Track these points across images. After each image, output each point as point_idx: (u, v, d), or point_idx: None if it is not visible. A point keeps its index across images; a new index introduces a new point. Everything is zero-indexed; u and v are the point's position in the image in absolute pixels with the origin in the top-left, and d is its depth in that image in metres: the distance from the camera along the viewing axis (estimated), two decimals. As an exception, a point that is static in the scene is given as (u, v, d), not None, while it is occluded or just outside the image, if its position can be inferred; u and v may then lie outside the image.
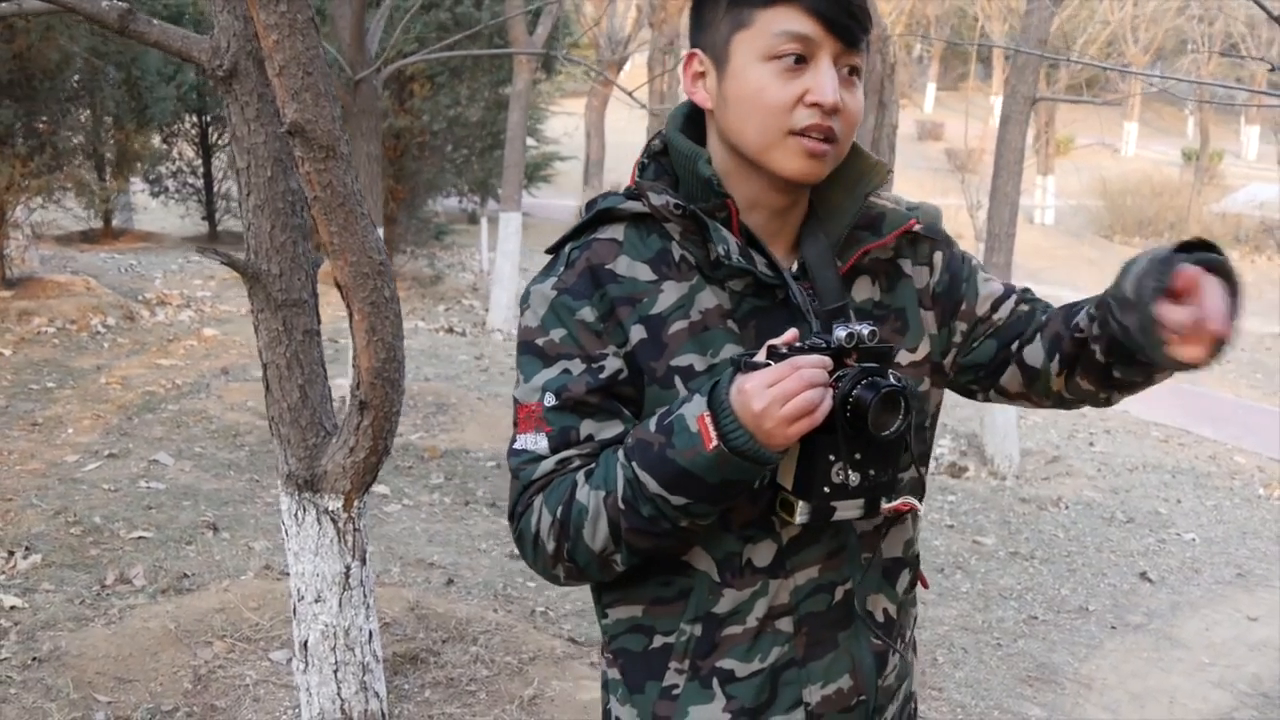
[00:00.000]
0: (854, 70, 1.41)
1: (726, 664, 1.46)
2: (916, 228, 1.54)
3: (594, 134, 15.45)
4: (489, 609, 4.47)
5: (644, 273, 1.43)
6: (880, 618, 1.53)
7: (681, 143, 1.48)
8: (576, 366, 1.41)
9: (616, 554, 1.38)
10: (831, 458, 1.34)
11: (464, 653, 3.97)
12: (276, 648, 3.83)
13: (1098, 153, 25.58)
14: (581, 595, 4.74)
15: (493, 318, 11.13)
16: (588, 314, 1.42)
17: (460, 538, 5.37)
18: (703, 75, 1.46)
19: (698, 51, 1.46)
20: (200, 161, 14.57)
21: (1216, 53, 18.63)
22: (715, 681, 1.46)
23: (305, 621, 2.95)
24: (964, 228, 14.53)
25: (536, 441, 1.42)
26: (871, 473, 1.37)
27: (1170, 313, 1.28)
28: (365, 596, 2.97)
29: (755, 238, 1.46)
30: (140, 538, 4.78)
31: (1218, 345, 1.29)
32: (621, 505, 1.34)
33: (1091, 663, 5.06)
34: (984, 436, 8.42)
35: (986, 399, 1.65)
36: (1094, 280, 13.19)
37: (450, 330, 10.83)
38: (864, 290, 1.51)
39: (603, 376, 1.41)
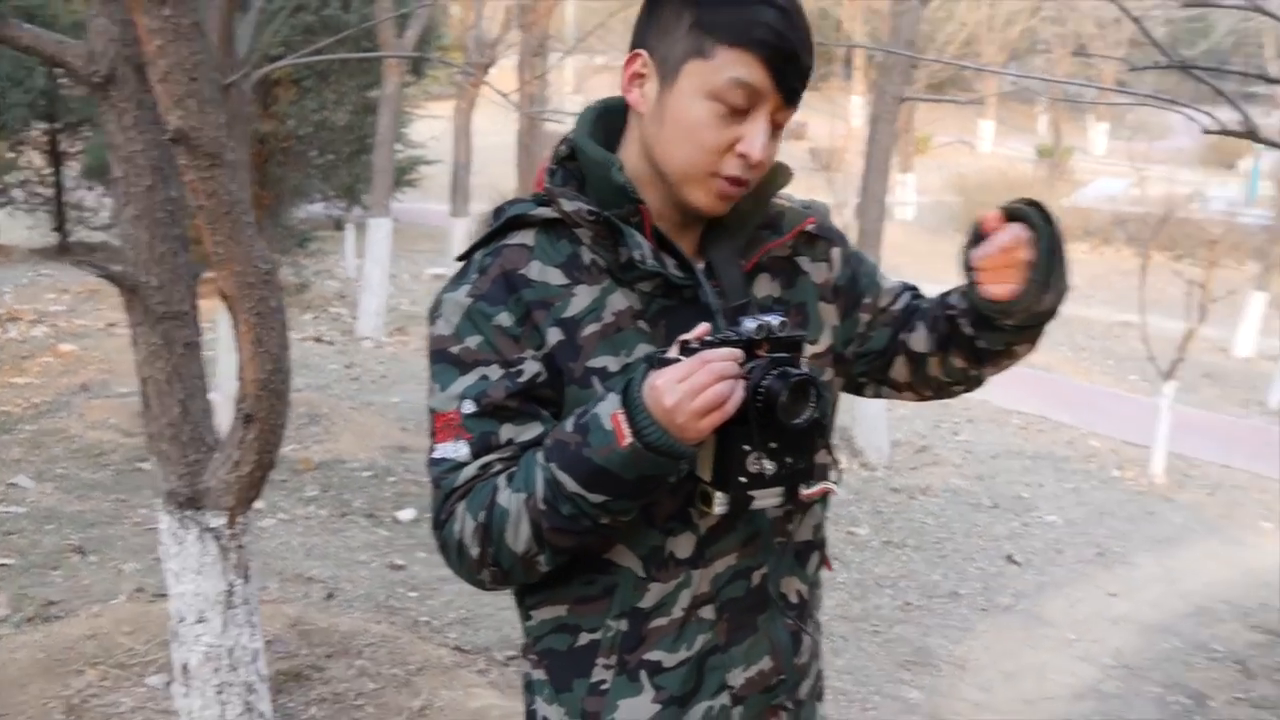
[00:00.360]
0: (780, 125, 1.46)
1: (654, 655, 1.49)
2: (811, 226, 1.60)
3: (462, 137, 15.26)
4: (372, 621, 4.41)
5: (556, 277, 1.46)
6: (794, 599, 1.58)
7: (592, 149, 1.49)
8: (494, 372, 1.43)
9: (540, 555, 1.40)
10: (746, 448, 1.37)
11: (349, 667, 3.91)
12: (153, 672, 3.71)
13: (956, 150, 26.33)
14: (465, 603, 4.72)
15: (362, 325, 10.95)
16: (505, 319, 1.43)
17: (339, 550, 5.29)
18: (643, 78, 1.47)
19: (644, 53, 1.47)
20: (50, 170, 14.00)
21: (1070, 53, 19.26)
22: (643, 674, 1.49)
23: (186, 643, 2.88)
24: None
25: (457, 449, 1.43)
26: (788, 460, 1.40)
27: (974, 252, 1.42)
28: (249, 615, 2.91)
29: (666, 239, 1.49)
30: (1, 565, 4.59)
31: (1033, 282, 1.40)
32: (542, 506, 1.36)
33: (965, 645, 5.23)
34: (854, 429, 8.60)
35: (876, 394, 1.72)
36: (952, 274, 13.46)
37: (319, 339, 10.62)
38: (764, 287, 1.56)
39: (521, 380, 1.43)
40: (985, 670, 4.98)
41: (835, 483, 1.53)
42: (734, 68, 1.39)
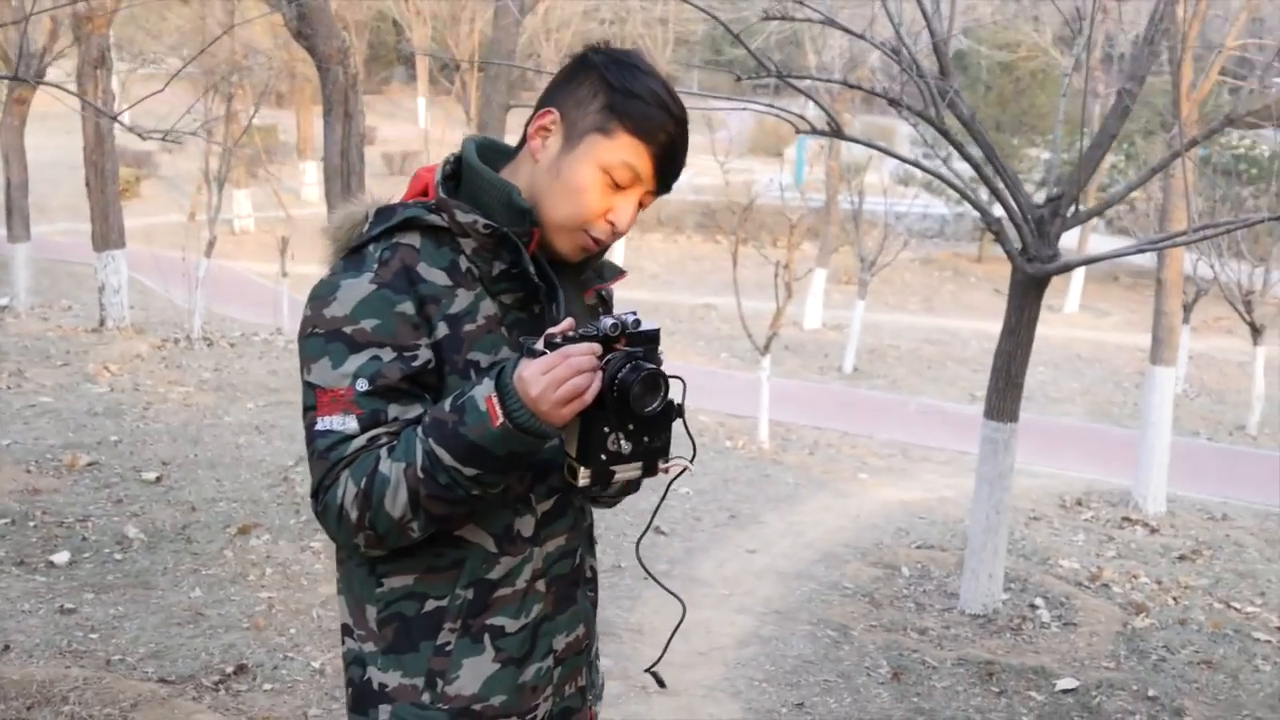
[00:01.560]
0: (646, 205, 1.74)
1: (498, 621, 1.71)
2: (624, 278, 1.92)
3: (14, 156, 14.06)
4: (62, 667, 4.19)
5: (440, 278, 1.66)
6: (588, 575, 1.89)
7: (488, 174, 1.71)
8: (387, 354, 1.60)
9: (414, 521, 1.58)
10: (606, 430, 1.59)
11: (56, 714, 3.75)
12: None
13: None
14: (153, 637, 4.58)
15: (-61, 368, 9.91)
16: (408, 308, 1.62)
17: (-3, 602, 4.92)
18: (548, 133, 1.70)
19: (555, 113, 1.69)
20: None
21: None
22: (486, 637, 1.71)
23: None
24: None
25: (345, 423, 1.60)
26: (646, 439, 1.63)
27: None
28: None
29: (539, 261, 1.74)
30: None
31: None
32: (421, 475, 1.55)
33: (637, 612, 5.61)
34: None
35: None
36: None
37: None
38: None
39: (415, 365, 1.62)
40: (660, 632, 5.36)
41: (691, 460, 1.78)
42: (628, 152, 1.67)
